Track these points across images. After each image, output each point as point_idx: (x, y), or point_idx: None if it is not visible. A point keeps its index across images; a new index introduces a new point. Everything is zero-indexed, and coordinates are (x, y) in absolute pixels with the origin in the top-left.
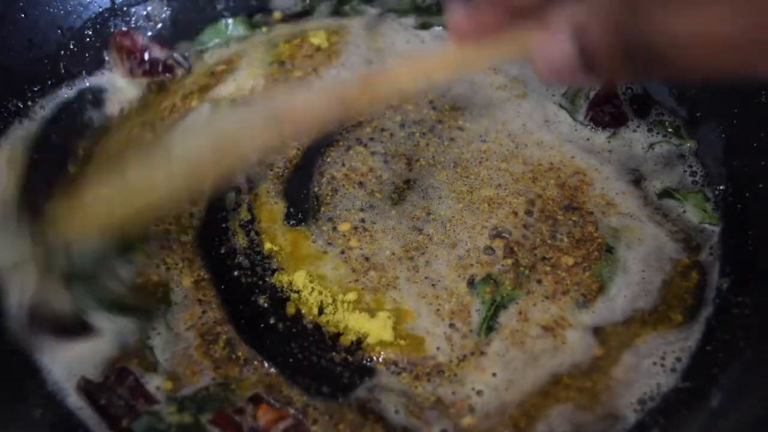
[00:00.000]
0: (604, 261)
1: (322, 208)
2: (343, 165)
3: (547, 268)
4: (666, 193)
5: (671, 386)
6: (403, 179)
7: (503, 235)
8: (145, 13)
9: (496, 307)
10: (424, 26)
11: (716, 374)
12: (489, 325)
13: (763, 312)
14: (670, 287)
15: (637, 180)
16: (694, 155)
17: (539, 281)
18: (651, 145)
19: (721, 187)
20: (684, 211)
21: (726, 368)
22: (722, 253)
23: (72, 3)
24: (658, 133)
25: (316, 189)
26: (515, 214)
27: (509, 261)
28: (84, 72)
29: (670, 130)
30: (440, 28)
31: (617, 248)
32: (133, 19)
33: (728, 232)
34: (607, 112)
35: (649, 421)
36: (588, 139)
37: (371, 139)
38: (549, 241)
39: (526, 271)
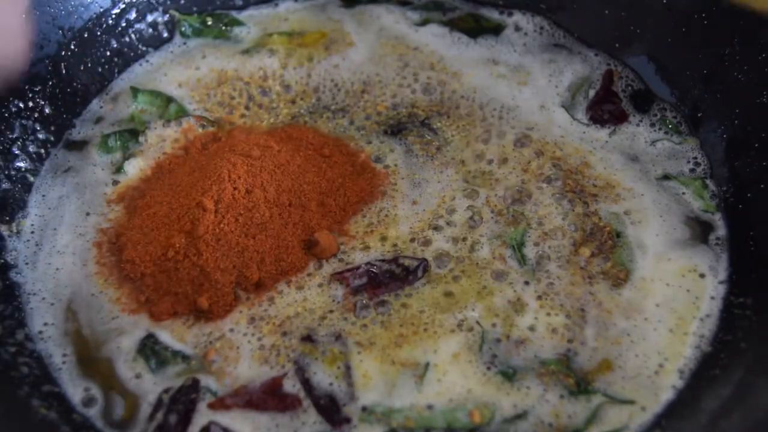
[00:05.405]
0: (620, 248)
1: None
2: None
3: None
4: (666, 177)
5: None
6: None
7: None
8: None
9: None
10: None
11: (717, 375)
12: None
13: (764, 313)
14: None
15: (638, 166)
16: (697, 149)
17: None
18: (653, 142)
19: (723, 188)
20: (683, 193)
21: (727, 369)
22: (724, 251)
23: (73, 3)
24: (660, 129)
25: None
26: (519, 192)
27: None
28: None
29: (670, 126)
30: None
31: (624, 230)
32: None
33: (729, 233)
34: (606, 110)
35: (652, 421)
36: (588, 134)
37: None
38: (556, 224)
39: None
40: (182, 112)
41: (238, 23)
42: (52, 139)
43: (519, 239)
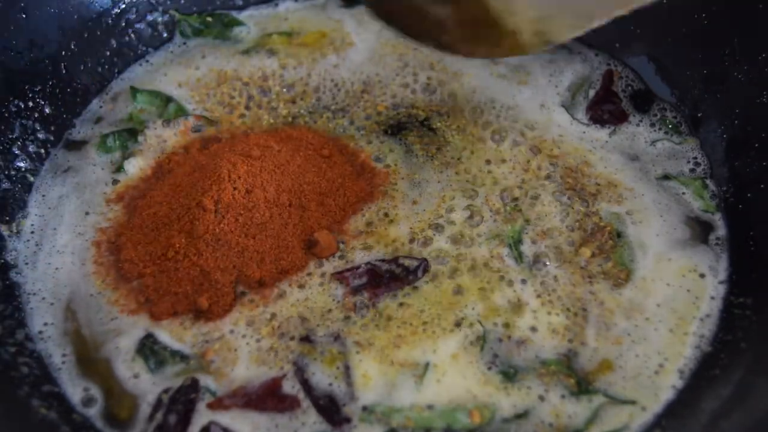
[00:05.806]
0: (620, 247)
1: None
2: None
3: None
4: (666, 177)
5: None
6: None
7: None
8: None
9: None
10: None
11: (717, 375)
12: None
13: (764, 313)
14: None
15: (638, 166)
16: (697, 149)
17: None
18: (653, 142)
19: (723, 188)
20: (683, 193)
21: (727, 369)
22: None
23: (73, 3)
24: (660, 129)
25: None
26: (519, 191)
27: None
28: None
29: (670, 126)
30: None
31: (625, 230)
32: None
33: (729, 233)
34: (606, 110)
35: (652, 421)
36: (587, 134)
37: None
38: (555, 225)
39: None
40: (181, 112)
41: (238, 23)
42: (52, 139)
43: (516, 237)
